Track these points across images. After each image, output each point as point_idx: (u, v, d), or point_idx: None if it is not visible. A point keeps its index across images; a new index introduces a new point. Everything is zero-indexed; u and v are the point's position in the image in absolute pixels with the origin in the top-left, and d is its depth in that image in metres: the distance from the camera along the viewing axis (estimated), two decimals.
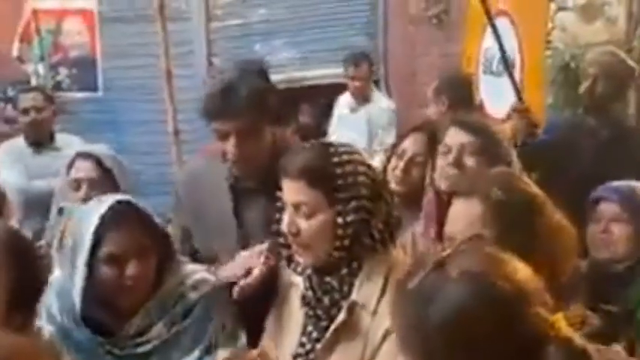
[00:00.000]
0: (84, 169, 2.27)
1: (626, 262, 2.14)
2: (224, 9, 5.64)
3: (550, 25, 4.18)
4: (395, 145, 2.39)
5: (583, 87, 3.15)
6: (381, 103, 4.85)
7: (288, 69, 5.38)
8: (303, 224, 1.53)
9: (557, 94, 4.07)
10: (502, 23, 3.95)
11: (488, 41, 4.12)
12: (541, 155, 2.88)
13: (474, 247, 1.01)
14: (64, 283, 1.66)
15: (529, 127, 2.90)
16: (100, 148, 2.34)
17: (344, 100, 4.92)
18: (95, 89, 5.25)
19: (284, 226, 1.56)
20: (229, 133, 1.86)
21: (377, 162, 3.52)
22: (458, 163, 1.87)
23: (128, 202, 1.68)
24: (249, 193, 1.96)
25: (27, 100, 3.89)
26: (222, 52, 5.63)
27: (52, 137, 3.90)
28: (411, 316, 0.96)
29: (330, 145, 1.60)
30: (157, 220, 1.72)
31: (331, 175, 1.52)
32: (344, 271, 1.55)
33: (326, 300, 1.56)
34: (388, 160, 2.34)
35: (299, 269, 1.63)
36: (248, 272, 1.77)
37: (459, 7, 4.97)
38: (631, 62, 3.52)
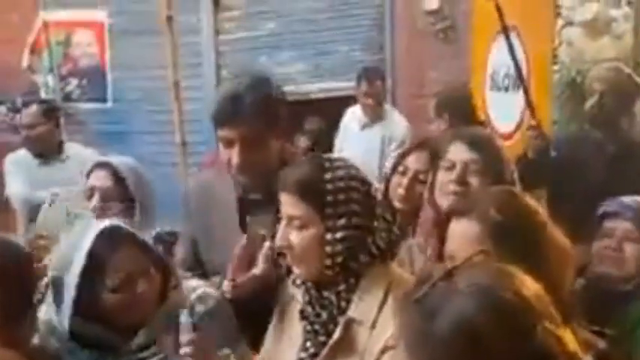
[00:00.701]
0: (98, 178, 2.28)
1: (635, 280, 2.08)
2: (233, 22, 5.69)
3: (557, 40, 4.19)
4: (397, 162, 2.32)
5: (589, 103, 3.17)
6: (397, 120, 4.73)
7: (294, 82, 5.41)
8: (295, 238, 1.54)
9: (563, 110, 4.10)
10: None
11: (495, 57, 4.16)
12: (549, 171, 2.89)
13: (482, 261, 1.01)
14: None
15: (541, 143, 2.89)
16: (119, 159, 2.34)
17: (353, 116, 4.83)
18: (104, 100, 5.31)
19: (277, 239, 1.58)
20: (234, 141, 1.87)
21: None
22: (462, 181, 1.85)
23: (118, 227, 1.66)
24: (256, 205, 1.96)
25: (26, 115, 3.96)
26: (231, 65, 5.67)
27: (59, 148, 3.94)
28: (417, 327, 0.95)
29: (326, 159, 1.59)
30: (147, 240, 1.71)
31: (322, 190, 1.52)
32: (341, 286, 1.54)
33: (324, 315, 1.55)
34: (390, 176, 2.29)
35: (297, 281, 1.63)
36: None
37: (465, 22, 5.01)
38: (637, 78, 3.54)
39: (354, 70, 5.29)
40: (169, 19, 4.14)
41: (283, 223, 1.56)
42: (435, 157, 2.14)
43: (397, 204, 2.17)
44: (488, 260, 1.02)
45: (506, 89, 3.96)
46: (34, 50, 5.32)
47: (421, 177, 2.18)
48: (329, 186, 1.52)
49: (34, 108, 3.96)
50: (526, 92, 3.17)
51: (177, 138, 4.27)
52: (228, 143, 1.89)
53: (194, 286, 1.78)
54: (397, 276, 1.56)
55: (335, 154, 1.58)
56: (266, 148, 1.91)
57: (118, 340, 1.61)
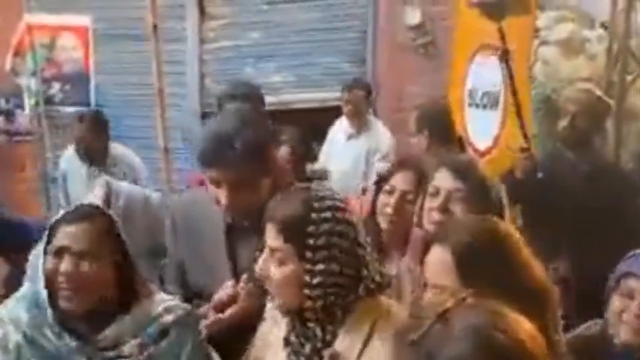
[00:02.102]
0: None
1: None
2: (217, 31, 5.74)
3: (532, 58, 4.30)
4: (381, 180, 2.28)
5: (562, 124, 3.28)
6: (381, 131, 4.82)
7: (278, 92, 5.48)
8: (274, 270, 1.51)
9: (540, 126, 4.21)
10: (488, 57, 4.08)
11: (474, 74, 4.25)
12: (534, 191, 2.96)
13: (476, 301, 1.02)
14: (28, 290, 1.68)
15: (530, 164, 2.95)
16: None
17: (340, 127, 4.92)
18: (87, 104, 5.31)
19: (257, 267, 1.55)
20: (221, 183, 1.82)
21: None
22: (444, 209, 1.87)
23: (93, 206, 1.74)
24: (246, 231, 1.91)
25: (78, 129, 4.26)
26: (215, 73, 5.73)
27: (107, 155, 4.24)
28: None
29: (316, 198, 1.52)
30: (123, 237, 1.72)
31: (304, 231, 1.47)
32: (327, 320, 1.51)
33: (307, 347, 1.52)
34: (376, 196, 2.24)
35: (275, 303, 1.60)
36: (221, 307, 1.75)
37: (446, 38, 5.11)
38: (606, 98, 3.67)
39: (337, 81, 5.39)
40: (155, 27, 4.20)
41: (266, 252, 1.53)
42: (422, 179, 2.13)
43: (384, 225, 2.14)
44: (484, 301, 1.02)
45: (485, 107, 4.05)
46: (18, 53, 5.33)
47: (409, 197, 2.15)
48: (311, 228, 1.47)
49: (87, 122, 4.16)
50: (519, 115, 3.22)
51: (160, 144, 4.32)
52: (216, 183, 1.83)
53: (164, 299, 1.77)
54: (385, 310, 1.53)
55: (326, 189, 1.52)
56: (255, 188, 1.85)
57: (87, 334, 1.63)
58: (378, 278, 1.52)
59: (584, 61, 5.29)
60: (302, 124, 5.70)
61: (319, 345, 1.50)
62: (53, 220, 1.69)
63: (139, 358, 1.64)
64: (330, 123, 5.14)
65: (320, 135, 5.24)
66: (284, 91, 5.61)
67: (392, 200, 2.16)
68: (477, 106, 4.15)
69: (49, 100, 5.42)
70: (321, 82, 5.64)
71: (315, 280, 1.46)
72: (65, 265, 1.61)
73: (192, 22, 5.67)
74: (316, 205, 1.50)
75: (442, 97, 4.37)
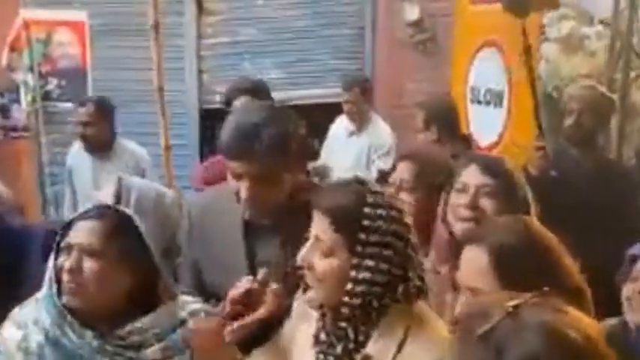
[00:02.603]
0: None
1: None
2: (215, 27, 5.71)
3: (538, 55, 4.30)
4: (387, 174, 2.36)
5: (568, 122, 3.28)
6: (382, 128, 4.80)
7: (276, 88, 5.44)
8: (318, 260, 1.47)
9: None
10: (490, 53, 4.09)
11: (477, 71, 4.27)
12: (539, 187, 2.97)
13: (546, 299, 0.99)
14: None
15: (545, 162, 2.96)
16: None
17: (340, 124, 4.90)
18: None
19: (299, 256, 1.51)
20: (244, 175, 1.79)
21: None
22: (473, 205, 1.84)
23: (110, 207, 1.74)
24: (264, 230, 1.89)
25: (81, 113, 4.10)
26: (212, 69, 5.70)
27: (112, 144, 4.15)
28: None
29: (371, 192, 1.49)
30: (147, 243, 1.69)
31: (358, 224, 1.44)
32: (361, 320, 1.47)
33: (338, 348, 1.48)
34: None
35: (313, 303, 1.56)
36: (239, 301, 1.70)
37: (445, 34, 5.11)
38: (610, 95, 3.69)
39: (335, 78, 5.38)
40: (156, 24, 4.15)
41: (310, 241, 1.49)
42: (423, 170, 2.21)
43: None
44: (553, 299, 1.00)
45: (488, 103, 4.07)
46: (14, 48, 5.27)
47: (405, 185, 2.20)
48: (366, 222, 1.44)
49: (90, 106, 4.02)
50: (537, 117, 3.24)
51: (162, 142, 4.29)
52: (238, 176, 1.81)
53: (188, 301, 1.75)
54: (419, 316, 1.49)
55: (375, 186, 1.49)
56: (277, 183, 1.82)
57: (105, 327, 1.61)
58: (419, 283, 1.48)
59: (583, 58, 5.31)
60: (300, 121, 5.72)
61: (351, 346, 1.47)
62: (71, 217, 1.69)
63: None
64: (328, 119, 5.12)
65: (318, 132, 5.23)
66: (282, 87, 5.57)
67: (393, 191, 2.18)
68: (480, 102, 4.18)
69: (45, 96, 5.37)
70: (320, 79, 5.62)
71: (362, 276, 1.43)
72: (70, 261, 1.59)
73: (189, 18, 5.62)
74: (371, 199, 1.47)
75: (444, 94, 4.39)
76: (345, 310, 1.45)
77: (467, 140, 3.67)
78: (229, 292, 1.76)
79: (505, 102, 3.89)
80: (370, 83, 4.95)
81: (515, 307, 0.95)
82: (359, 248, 1.43)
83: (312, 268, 1.48)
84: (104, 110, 4.07)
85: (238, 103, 3.04)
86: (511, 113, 3.86)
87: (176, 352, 1.63)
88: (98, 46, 5.49)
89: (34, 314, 1.64)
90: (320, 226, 1.48)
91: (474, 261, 1.42)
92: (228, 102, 3.17)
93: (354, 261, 1.44)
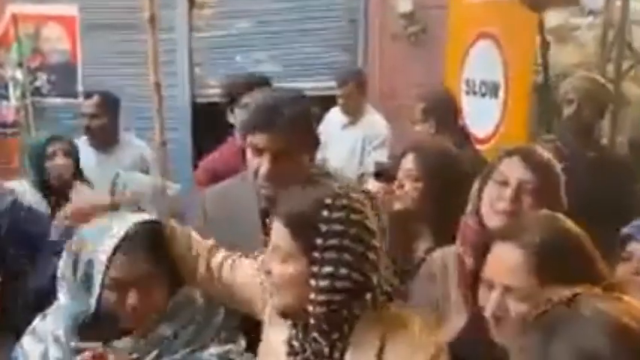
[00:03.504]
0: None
1: None
2: (207, 20, 5.68)
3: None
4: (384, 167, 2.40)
5: (567, 112, 3.31)
6: (377, 120, 4.81)
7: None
8: (275, 267, 1.44)
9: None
10: (486, 45, 4.12)
11: (471, 63, 4.29)
12: None
13: (601, 292, 1.00)
14: (76, 308, 1.65)
15: (555, 155, 2.97)
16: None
17: (335, 116, 4.90)
18: (75, 96, 5.22)
19: (259, 261, 1.51)
20: (264, 150, 1.83)
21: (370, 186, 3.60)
22: (515, 200, 1.77)
23: (147, 223, 1.70)
24: None
25: (87, 106, 4.04)
26: (205, 63, 5.68)
27: (117, 138, 4.10)
28: (534, 348, 0.93)
29: (331, 194, 1.42)
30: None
31: (315, 230, 1.39)
32: (335, 335, 1.43)
33: None
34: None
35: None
36: None
37: (437, 26, 5.12)
38: (608, 85, 3.73)
39: (328, 70, 5.38)
40: (152, 18, 4.13)
41: (270, 247, 1.47)
42: (426, 161, 2.23)
43: (398, 205, 2.22)
44: (608, 292, 1.01)
45: (483, 95, 4.09)
46: (2, 44, 5.22)
47: (413, 174, 2.24)
48: (323, 226, 1.38)
49: (96, 98, 3.98)
50: (545, 105, 3.25)
51: (157, 138, 4.26)
52: (258, 151, 1.85)
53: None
54: (395, 320, 1.44)
55: (346, 186, 1.42)
56: (296, 162, 1.85)
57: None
58: (387, 288, 1.44)
59: (573, 48, 5.37)
60: None
61: None
62: (107, 242, 1.62)
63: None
64: (321, 112, 5.10)
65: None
66: (275, 80, 5.54)
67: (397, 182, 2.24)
68: (475, 94, 4.20)
69: (36, 92, 5.32)
70: (312, 71, 5.61)
71: (322, 284, 1.37)
72: (132, 299, 1.60)
73: (181, 11, 5.59)
74: (329, 202, 1.40)
75: (439, 85, 4.41)
76: (312, 321, 1.41)
77: (464, 132, 3.70)
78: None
79: (501, 94, 3.92)
80: (364, 76, 4.93)
81: (574, 295, 0.96)
82: (316, 254, 1.38)
83: (269, 273, 1.46)
84: (110, 103, 4.04)
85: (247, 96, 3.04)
86: (507, 105, 3.88)
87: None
88: (89, 41, 5.45)
89: (53, 327, 1.65)
90: (278, 234, 1.44)
91: (508, 258, 1.41)
92: (233, 99, 3.16)
93: (314, 269, 1.38)
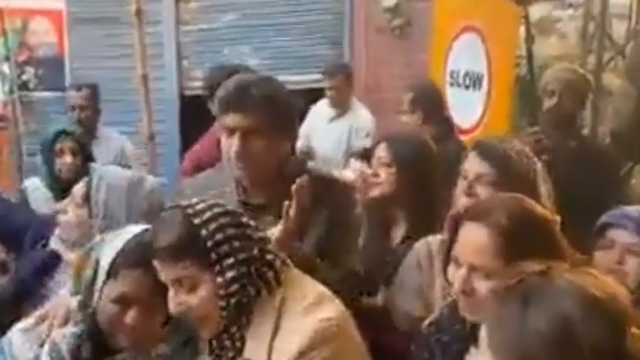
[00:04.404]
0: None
1: (635, 295, 1.87)
2: (193, 13, 5.71)
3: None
4: (370, 155, 2.41)
5: (549, 103, 3.37)
6: (363, 113, 4.86)
7: None
8: (191, 300, 1.45)
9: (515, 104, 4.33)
10: (470, 38, 4.17)
11: (455, 55, 4.35)
12: None
13: (578, 266, 1.05)
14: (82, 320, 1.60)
15: (540, 147, 2.96)
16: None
17: (322, 111, 4.95)
18: (63, 89, 5.23)
19: (170, 306, 1.48)
20: (236, 130, 1.84)
21: (351, 171, 3.65)
22: (469, 192, 1.87)
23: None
24: (258, 210, 1.89)
25: (78, 97, 4.04)
26: (192, 55, 5.71)
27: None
28: (510, 316, 0.97)
29: (192, 213, 1.47)
30: None
31: (204, 248, 1.44)
32: (233, 328, 1.49)
33: (224, 358, 1.51)
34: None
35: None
36: None
37: (421, 19, 5.19)
38: (588, 76, 3.80)
39: (313, 63, 5.43)
40: (138, 12, 4.17)
41: (172, 288, 1.46)
42: (398, 150, 2.26)
43: (377, 192, 2.26)
44: (583, 266, 1.07)
45: (467, 87, 4.15)
46: None
47: (384, 161, 2.27)
48: (209, 242, 1.44)
49: (85, 90, 4.00)
50: (533, 97, 3.29)
51: (145, 131, 4.30)
52: (230, 131, 1.86)
53: None
54: (287, 303, 1.49)
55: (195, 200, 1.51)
56: (268, 143, 1.86)
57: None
58: (268, 273, 1.50)
59: (555, 40, 5.45)
60: None
61: (231, 354, 1.49)
62: (109, 252, 1.58)
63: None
64: (306, 105, 5.14)
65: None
66: (261, 73, 5.61)
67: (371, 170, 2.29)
68: (459, 85, 4.26)
69: (23, 86, 5.33)
70: (298, 65, 5.66)
71: (232, 289, 1.44)
72: (131, 316, 1.55)
73: (168, 4, 5.62)
74: (198, 221, 1.45)
75: (429, 80, 4.47)
76: (223, 313, 1.46)
77: (449, 123, 3.76)
78: None
79: (484, 86, 3.98)
80: (352, 69, 4.99)
81: (548, 268, 1.00)
82: (217, 267, 1.43)
83: (190, 309, 1.46)
84: (97, 96, 4.06)
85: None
86: (490, 97, 3.94)
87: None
88: (76, 34, 5.46)
89: (56, 338, 1.59)
90: (170, 271, 1.45)
91: (474, 237, 1.45)
92: (211, 86, 3.17)
93: (219, 280, 1.43)
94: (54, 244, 2.14)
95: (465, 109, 4.17)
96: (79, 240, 1.95)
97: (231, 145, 1.86)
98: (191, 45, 5.71)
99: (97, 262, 1.58)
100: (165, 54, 5.62)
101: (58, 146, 2.98)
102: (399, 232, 2.26)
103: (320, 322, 1.45)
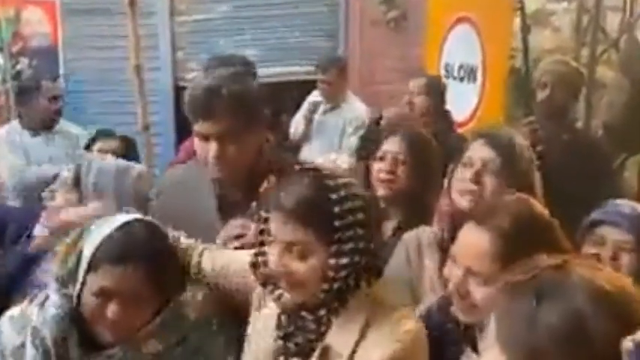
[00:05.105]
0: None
1: None
2: (188, 4, 5.70)
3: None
4: (373, 150, 2.35)
5: (541, 95, 3.39)
6: (357, 106, 4.83)
7: None
8: (296, 265, 1.40)
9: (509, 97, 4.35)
10: (464, 29, 4.19)
11: (450, 47, 4.36)
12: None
13: (588, 261, 1.06)
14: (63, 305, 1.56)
15: (534, 137, 2.98)
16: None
17: (315, 104, 4.93)
18: (56, 80, 5.22)
19: (272, 265, 1.42)
20: (210, 136, 1.81)
21: (343, 162, 3.66)
22: (477, 180, 1.84)
23: (143, 224, 1.56)
24: (236, 205, 1.88)
25: (55, 88, 4.04)
26: (187, 46, 5.70)
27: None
28: (522, 309, 0.96)
29: (328, 177, 1.42)
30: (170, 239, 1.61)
31: (331, 214, 1.37)
32: (322, 311, 1.43)
33: (299, 338, 1.45)
34: (369, 164, 2.33)
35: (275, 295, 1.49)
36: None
37: (416, 12, 5.19)
38: (582, 69, 3.82)
39: (308, 55, 5.43)
40: (132, 2, 4.14)
41: (279, 247, 1.41)
42: (412, 144, 2.24)
43: (381, 191, 2.22)
44: (595, 261, 1.06)
45: (462, 79, 4.17)
46: None
47: (400, 157, 2.22)
48: (337, 209, 1.37)
49: (60, 81, 3.99)
50: (527, 89, 3.30)
51: (140, 122, 4.28)
52: (204, 138, 1.83)
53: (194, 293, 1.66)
54: (380, 301, 1.45)
55: (329, 164, 1.41)
56: (244, 143, 1.83)
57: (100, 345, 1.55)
58: (372, 266, 1.45)
59: (550, 33, 5.45)
60: (273, 98, 5.73)
61: (312, 336, 1.44)
62: (94, 242, 1.53)
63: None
64: (301, 96, 5.16)
65: (291, 108, 5.27)
66: (256, 64, 5.60)
67: (384, 165, 2.23)
68: (454, 78, 4.28)
69: (17, 76, 5.31)
70: (293, 56, 5.66)
71: (343, 261, 1.38)
72: (112, 310, 1.49)
73: None
74: (332, 183, 1.40)
75: (418, 69, 4.48)
76: (322, 296, 1.41)
77: (449, 117, 3.79)
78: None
79: (479, 78, 4.00)
80: (346, 62, 4.98)
81: (562, 263, 0.99)
82: (336, 236, 1.37)
83: (290, 274, 1.41)
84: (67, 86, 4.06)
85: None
86: (484, 89, 3.96)
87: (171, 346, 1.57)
88: (69, 24, 5.44)
89: (37, 324, 1.56)
90: (287, 229, 1.39)
91: (475, 241, 1.44)
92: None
93: (333, 249, 1.38)
94: (38, 232, 2.11)
95: (460, 102, 4.19)
96: (67, 225, 1.92)
97: (206, 149, 1.83)
98: (186, 36, 5.69)
99: (81, 252, 1.55)
100: (160, 45, 5.60)
101: (96, 146, 2.79)
102: (390, 225, 2.25)
103: (406, 333, 1.40)
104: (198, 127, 1.83)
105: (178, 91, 5.67)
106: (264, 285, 1.50)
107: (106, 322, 1.50)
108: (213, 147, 1.81)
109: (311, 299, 1.42)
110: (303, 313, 1.44)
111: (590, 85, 4.04)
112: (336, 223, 1.37)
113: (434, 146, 2.35)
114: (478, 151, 1.87)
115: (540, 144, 2.91)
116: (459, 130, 3.88)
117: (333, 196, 1.38)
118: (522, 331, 0.94)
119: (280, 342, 1.47)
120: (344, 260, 1.37)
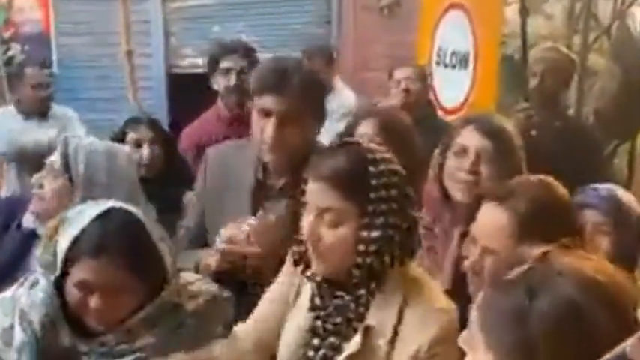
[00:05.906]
0: None
1: None
2: None
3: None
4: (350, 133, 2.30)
5: (532, 83, 3.39)
6: (346, 94, 4.81)
7: None
8: (326, 232, 1.41)
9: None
10: (456, 16, 4.19)
11: (442, 34, 4.36)
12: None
13: (572, 249, 1.01)
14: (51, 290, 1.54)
15: (528, 124, 3.00)
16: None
17: None
18: (49, 66, 5.21)
19: (304, 231, 1.43)
20: (272, 112, 1.80)
21: None
22: (474, 170, 1.81)
23: (125, 213, 1.53)
24: (273, 193, 1.90)
25: (41, 75, 4.08)
26: (180, 32, 5.68)
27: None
28: (514, 306, 0.93)
29: (369, 150, 1.43)
30: (154, 232, 1.55)
31: (367, 185, 1.38)
32: (361, 291, 1.43)
33: (338, 319, 1.45)
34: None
35: (309, 274, 1.49)
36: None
37: None
38: (572, 55, 3.83)
39: (302, 42, 5.40)
40: None
41: (312, 214, 1.42)
42: (386, 127, 2.13)
43: None
44: (579, 249, 1.02)
45: (453, 66, 4.17)
46: None
47: (376, 141, 2.20)
48: (374, 181, 1.39)
49: (54, 68, 4.00)
50: (524, 75, 3.29)
51: (132, 107, 4.29)
52: (266, 114, 1.81)
53: (189, 281, 1.65)
54: (415, 280, 1.46)
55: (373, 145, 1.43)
56: (302, 128, 1.83)
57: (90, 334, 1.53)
58: (406, 246, 1.44)
59: (542, 21, 5.46)
60: None
61: (352, 316, 1.43)
62: (68, 234, 1.50)
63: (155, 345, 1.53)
64: None
65: None
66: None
67: None
68: (446, 65, 4.28)
69: (9, 62, 5.30)
70: (287, 43, 5.64)
71: (375, 234, 1.38)
72: (94, 302, 1.48)
73: None
74: (371, 156, 1.41)
75: (411, 58, 4.49)
76: (355, 272, 1.41)
77: (432, 104, 3.81)
78: (227, 230, 1.81)
79: (470, 64, 4.00)
80: (332, 51, 4.92)
81: (544, 253, 0.98)
82: (370, 208, 1.38)
83: (319, 240, 1.41)
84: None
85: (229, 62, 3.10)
86: (476, 75, 3.97)
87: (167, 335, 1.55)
88: (61, 11, 5.42)
89: (25, 306, 1.54)
90: (324, 196, 1.40)
91: (493, 220, 1.45)
92: (214, 63, 3.19)
93: (365, 221, 1.38)
94: (27, 220, 2.09)
95: (452, 89, 4.20)
96: (56, 212, 1.92)
97: (263, 127, 1.82)
98: (179, 22, 5.66)
99: (57, 242, 1.52)
100: (152, 31, 5.57)
101: (130, 136, 2.56)
102: None
103: (442, 312, 1.40)
104: (262, 101, 1.81)
105: (171, 77, 5.67)
106: (296, 263, 1.51)
107: (90, 312, 1.50)
108: (271, 125, 1.80)
109: (346, 277, 1.42)
110: (341, 293, 1.45)
111: (582, 73, 4.06)
112: (372, 195, 1.38)
113: (410, 128, 2.32)
114: (471, 139, 1.83)
115: (534, 129, 2.92)
116: (451, 118, 3.90)
117: (372, 169, 1.40)
118: (513, 327, 0.93)
119: (318, 322, 1.47)
120: (375, 233, 1.38)
